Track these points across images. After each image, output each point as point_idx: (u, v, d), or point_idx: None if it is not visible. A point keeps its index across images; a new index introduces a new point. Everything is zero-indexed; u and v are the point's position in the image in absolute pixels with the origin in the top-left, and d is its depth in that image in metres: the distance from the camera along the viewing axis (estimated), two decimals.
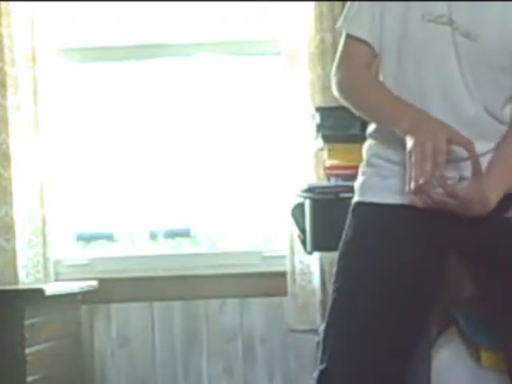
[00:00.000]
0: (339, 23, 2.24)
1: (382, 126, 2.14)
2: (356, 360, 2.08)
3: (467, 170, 2.01)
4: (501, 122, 2.12)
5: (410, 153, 1.95)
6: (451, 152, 1.96)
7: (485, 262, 2.14)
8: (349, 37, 2.19)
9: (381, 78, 2.19)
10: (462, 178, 2.03)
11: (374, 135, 2.21)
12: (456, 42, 2.05)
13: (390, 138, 2.13)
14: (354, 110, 2.20)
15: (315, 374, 2.13)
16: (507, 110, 2.14)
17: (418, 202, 2.00)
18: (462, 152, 1.99)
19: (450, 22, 2.04)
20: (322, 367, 2.11)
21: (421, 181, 1.91)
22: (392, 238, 2.12)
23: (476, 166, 1.98)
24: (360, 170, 2.25)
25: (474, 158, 1.96)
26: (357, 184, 2.24)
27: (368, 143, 2.24)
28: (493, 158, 2.07)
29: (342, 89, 2.19)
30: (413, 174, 1.93)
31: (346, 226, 2.20)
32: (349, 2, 2.22)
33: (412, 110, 2.04)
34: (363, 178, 2.22)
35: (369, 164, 2.21)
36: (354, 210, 2.21)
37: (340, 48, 2.23)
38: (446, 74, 2.07)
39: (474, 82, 2.06)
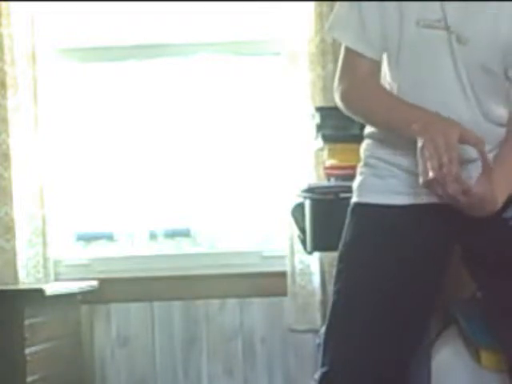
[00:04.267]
0: (331, 29, 2.19)
1: (392, 132, 2.10)
2: (358, 362, 2.08)
3: (475, 171, 2.01)
4: (499, 124, 2.12)
5: (422, 148, 1.93)
6: (461, 152, 1.96)
7: (484, 262, 2.15)
8: (349, 47, 2.15)
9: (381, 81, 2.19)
10: (469, 178, 2.03)
11: (371, 135, 2.21)
12: (452, 46, 2.05)
13: (387, 139, 2.13)
14: (360, 120, 2.18)
15: (317, 376, 2.14)
16: (504, 113, 2.13)
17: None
18: (470, 153, 1.98)
19: (447, 27, 2.04)
20: (324, 369, 2.11)
21: (445, 170, 1.89)
22: (391, 239, 2.12)
23: (486, 166, 1.97)
24: (358, 170, 2.24)
25: (484, 157, 1.95)
26: (355, 184, 2.23)
27: (365, 143, 2.24)
28: (495, 159, 2.07)
29: (347, 100, 2.16)
30: (429, 165, 1.90)
31: (345, 228, 2.20)
32: (337, 4, 2.19)
33: (423, 111, 2.02)
34: (361, 179, 2.21)
35: (366, 164, 2.21)
36: (352, 211, 2.21)
37: (340, 59, 2.19)
38: (443, 78, 2.06)
39: (469, 86, 2.06)
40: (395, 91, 2.12)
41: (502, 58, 2.06)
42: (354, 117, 2.18)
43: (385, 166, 2.15)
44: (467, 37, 2.03)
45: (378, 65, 2.15)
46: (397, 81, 2.12)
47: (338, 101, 2.19)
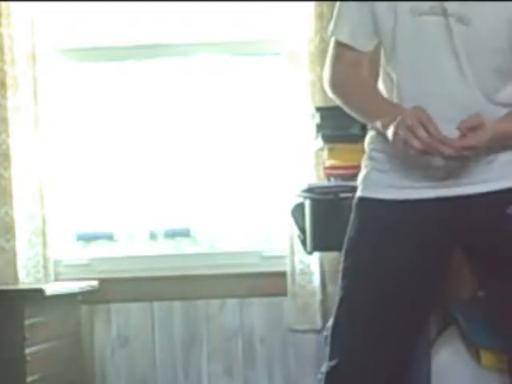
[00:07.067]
0: (331, 31, 2.26)
1: (366, 121, 2.20)
2: (361, 361, 2.09)
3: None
4: (504, 105, 2.10)
5: (396, 131, 1.96)
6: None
7: (487, 259, 2.15)
8: (335, 39, 2.22)
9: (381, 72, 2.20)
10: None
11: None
12: (451, 29, 2.04)
13: None
14: (343, 108, 2.23)
15: (323, 369, 2.15)
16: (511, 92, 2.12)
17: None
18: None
19: (443, 11, 2.03)
20: (332, 363, 2.13)
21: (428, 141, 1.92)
22: (394, 234, 2.12)
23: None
24: (362, 163, 2.26)
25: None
26: (359, 177, 2.25)
27: (369, 136, 2.25)
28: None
29: (332, 87, 2.23)
30: (419, 134, 1.93)
31: (350, 222, 2.21)
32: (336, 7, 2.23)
33: (394, 107, 2.07)
34: (364, 172, 2.23)
35: (369, 157, 2.23)
36: (356, 205, 2.22)
37: (329, 50, 2.25)
38: (441, 65, 2.07)
39: (471, 69, 2.05)
40: (394, 81, 2.13)
41: (508, 33, 2.04)
42: (338, 103, 2.23)
43: (387, 159, 2.15)
44: (469, 18, 2.02)
45: (364, 55, 2.19)
46: (395, 71, 2.13)
47: (325, 87, 2.26)
